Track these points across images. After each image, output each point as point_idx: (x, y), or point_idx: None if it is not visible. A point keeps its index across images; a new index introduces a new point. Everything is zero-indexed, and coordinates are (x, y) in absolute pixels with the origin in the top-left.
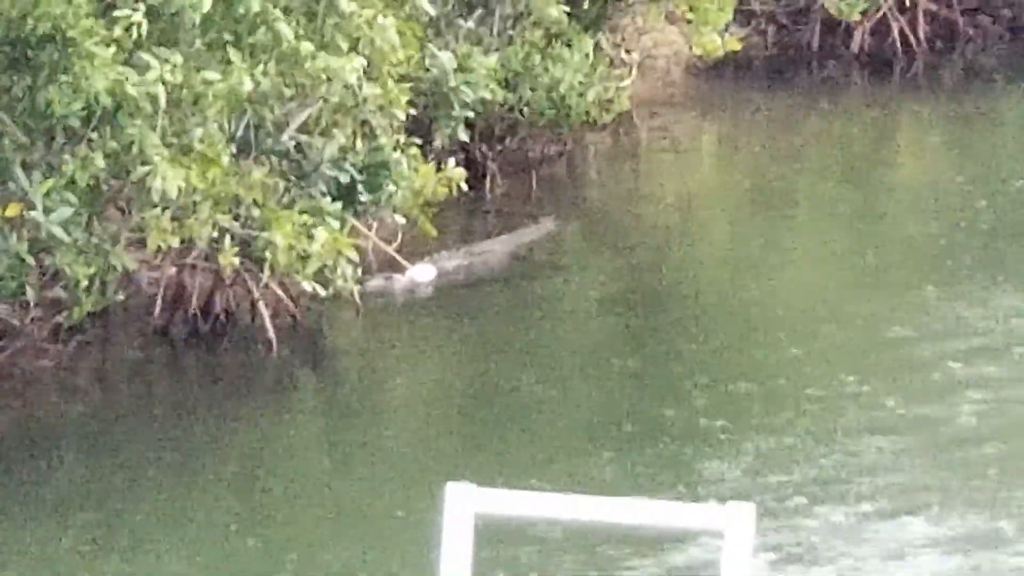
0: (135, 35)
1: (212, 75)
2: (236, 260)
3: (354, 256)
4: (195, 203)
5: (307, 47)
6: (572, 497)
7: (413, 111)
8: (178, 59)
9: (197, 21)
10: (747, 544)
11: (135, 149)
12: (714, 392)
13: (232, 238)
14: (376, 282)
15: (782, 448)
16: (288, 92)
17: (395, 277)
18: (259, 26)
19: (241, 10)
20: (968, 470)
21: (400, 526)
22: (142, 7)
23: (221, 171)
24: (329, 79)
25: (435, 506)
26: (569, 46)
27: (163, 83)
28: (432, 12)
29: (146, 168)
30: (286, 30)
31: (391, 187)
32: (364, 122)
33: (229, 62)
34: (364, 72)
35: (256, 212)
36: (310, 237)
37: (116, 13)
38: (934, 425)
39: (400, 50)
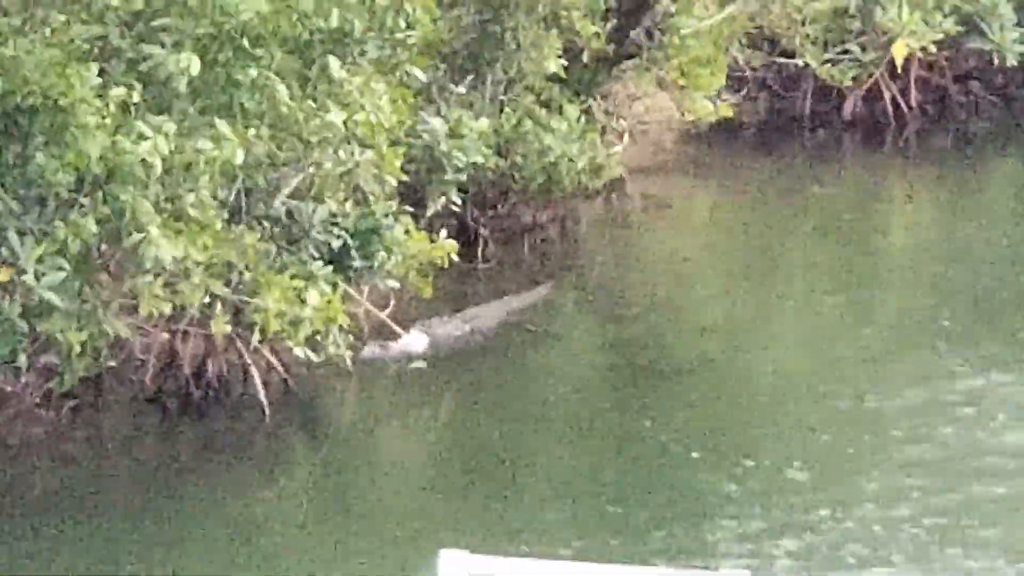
0: (128, 103)
1: (205, 144)
2: (228, 327)
3: (346, 322)
4: (187, 269)
5: (308, 106)
6: (565, 564)
7: (405, 177)
8: (171, 127)
9: (183, 88)
10: None
11: (128, 216)
12: (706, 460)
13: (224, 304)
14: (370, 350)
15: (774, 516)
16: (282, 156)
17: (389, 345)
18: (256, 91)
19: (237, 77)
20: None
21: None
22: (133, 75)
23: (214, 237)
24: (322, 142)
25: (429, 573)
26: (560, 112)
27: (157, 151)
28: (423, 78)
29: (139, 235)
30: (283, 92)
31: (383, 253)
32: (356, 187)
33: (222, 129)
34: (356, 137)
35: (248, 276)
36: (302, 301)
37: (113, 92)
38: (932, 494)
39: (392, 116)
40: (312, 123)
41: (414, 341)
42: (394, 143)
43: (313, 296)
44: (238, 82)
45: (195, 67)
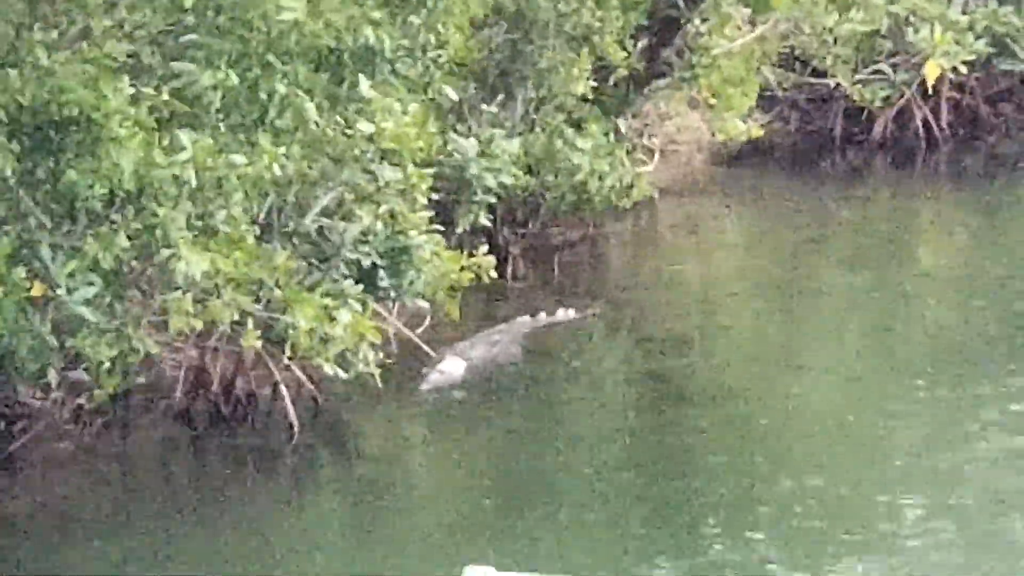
0: (161, 118)
1: (238, 159)
2: (258, 343)
3: (376, 339)
4: (218, 286)
5: (336, 123)
6: None
7: (436, 196)
8: (208, 141)
9: (216, 104)
10: None
11: (159, 232)
12: (736, 483)
13: (254, 320)
14: (424, 382)
15: (803, 542)
16: (313, 175)
17: (428, 373)
18: (286, 108)
19: (264, 95)
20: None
21: None
22: (166, 90)
23: (245, 254)
24: (352, 159)
25: None
26: (590, 132)
27: (190, 165)
28: (455, 97)
29: (170, 251)
30: (311, 110)
31: (412, 273)
32: (388, 208)
33: (254, 144)
34: (385, 157)
35: (278, 293)
36: (332, 319)
37: (144, 94)
38: (966, 517)
39: (418, 140)
40: (341, 141)
41: (452, 367)
42: (424, 164)
43: (344, 314)
44: (266, 99)
45: (233, 82)
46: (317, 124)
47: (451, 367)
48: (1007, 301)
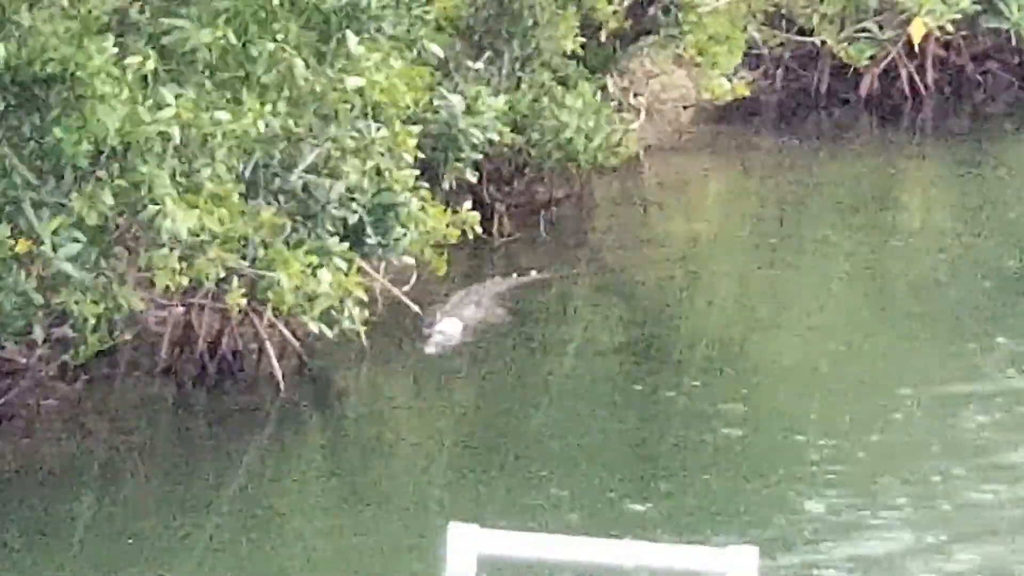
0: (146, 73)
1: (223, 115)
2: (243, 300)
3: (362, 296)
4: (203, 243)
5: (324, 82)
6: (575, 539)
7: (421, 154)
8: (191, 96)
9: (214, 58)
10: None
11: (144, 189)
12: (717, 438)
13: (239, 277)
14: (429, 341)
15: (785, 494)
16: (298, 131)
17: (430, 335)
18: (274, 65)
19: (255, 52)
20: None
21: (403, 567)
22: (152, 50)
23: (230, 211)
24: (339, 114)
25: (438, 547)
26: (576, 89)
27: (175, 122)
28: (440, 55)
29: (155, 208)
30: (300, 67)
31: (400, 229)
32: (375, 166)
33: (239, 102)
34: (371, 113)
35: (262, 252)
36: (315, 275)
37: (128, 60)
38: (950, 481)
39: (406, 95)
40: (330, 96)
41: (450, 327)
42: (410, 121)
43: (325, 274)
44: (254, 56)
45: (231, 41)
46: (306, 80)
47: (450, 327)
48: (992, 258)
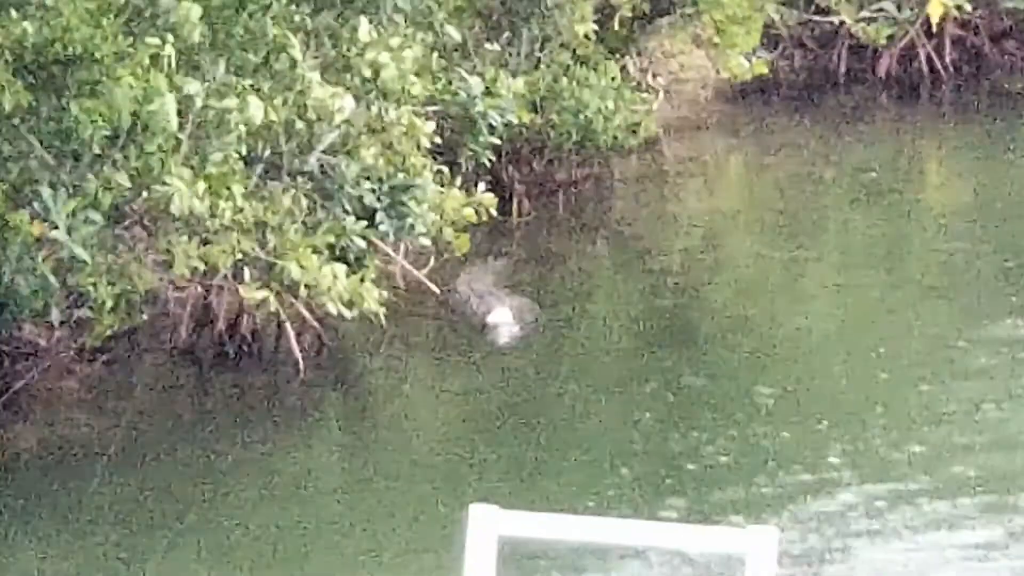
0: (162, 59)
1: (230, 103)
2: (258, 294)
3: (379, 277)
4: (219, 229)
5: (314, 77)
6: (595, 520)
7: (438, 139)
8: (199, 86)
9: (196, 38)
10: (769, 568)
11: (155, 170)
12: (739, 418)
13: (255, 264)
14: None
15: (804, 476)
16: (300, 124)
17: (493, 326)
18: (277, 52)
19: (240, 29)
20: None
21: (424, 547)
22: (156, 33)
23: (243, 194)
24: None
25: (459, 528)
26: (596, 70)
27: (191, 104)
28: (458, 37)
29: (166, 188)
30: (298, 57)
31: (416, 210)
32: (390, 144)
33: (258, 89)
34: (385, 97)
35: (278, 238)
36: (336, 258)
37: (147, 40)
38: (961, 459)
39: (417, 85)
40: (344, 79)
41: (500, 316)
42: (429, 103)
43: (340, 269)
44: (263, 42)
45: (195, 14)
46: (303, 71)
47: (502, 318)
48: (1011, 235)
